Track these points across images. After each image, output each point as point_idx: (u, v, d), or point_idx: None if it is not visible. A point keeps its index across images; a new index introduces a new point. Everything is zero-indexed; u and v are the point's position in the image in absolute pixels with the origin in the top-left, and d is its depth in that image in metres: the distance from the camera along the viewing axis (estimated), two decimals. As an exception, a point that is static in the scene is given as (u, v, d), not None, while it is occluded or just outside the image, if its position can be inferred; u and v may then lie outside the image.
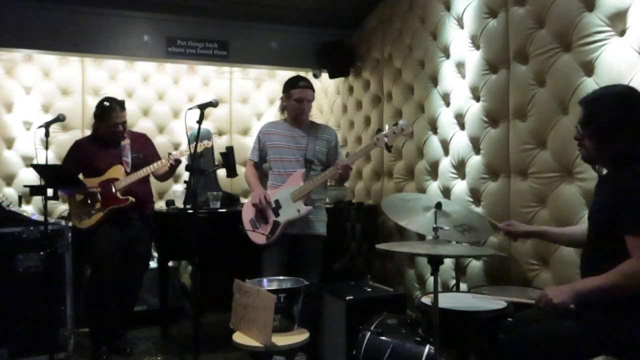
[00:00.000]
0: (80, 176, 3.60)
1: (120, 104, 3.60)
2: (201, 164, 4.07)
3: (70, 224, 3.63)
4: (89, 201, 3.53)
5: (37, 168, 3.47)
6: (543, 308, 1.82)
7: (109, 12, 4.31)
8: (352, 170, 3.20)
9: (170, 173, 3.71)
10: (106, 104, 3.57)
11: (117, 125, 3.57)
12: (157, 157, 3.74)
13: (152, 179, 3.81)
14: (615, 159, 1.88)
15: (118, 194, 3.53)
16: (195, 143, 2.84)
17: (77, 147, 3.71)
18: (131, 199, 3.54)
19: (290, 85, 3.29)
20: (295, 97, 3.25)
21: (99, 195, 3.52)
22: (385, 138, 3.01)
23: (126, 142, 3.67)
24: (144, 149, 3.77)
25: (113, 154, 3.63)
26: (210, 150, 4.31)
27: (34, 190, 3.82)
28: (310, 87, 3.29)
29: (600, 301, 1.79)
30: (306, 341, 2.50)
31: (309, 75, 5.09)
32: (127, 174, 3.57)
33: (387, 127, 3.07)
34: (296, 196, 3.14)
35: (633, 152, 1.83)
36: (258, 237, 3.20)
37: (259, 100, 5.36)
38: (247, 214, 3.28)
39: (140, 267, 3.77)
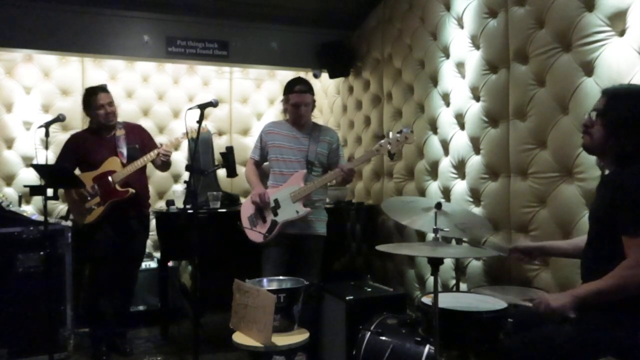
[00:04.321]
0: (77, 171, 3.60)
1: (101, 87, 3.69)
2: (201, 164, 4.08)
3: (70, 222, 3.63)
4: (89, 197, 3.53)
5: (37, 168, 3.48)
6: (542, 312, 1.82)
7: (109, 12, 4.31)
8: (355, 174, 3.20)
9: (167, 163, 3.71)
10: (88, 90, 3.68)
11: (103, 106, 3.60)
12: (154, 147, 3.72)
13: (148, 173, 3.80)
14: (619, 156, 1.86)
15: (117, 187, 3.53)
16: (195, 143, 2.85)
17: (73, 140, 3.72)
18: (131, 190, 3.54)
19: (287, 90, 3.29)
20: (292, 102, 3.25)
21: (97, 191, 3.53)
22: (389, 145, 3.02)
23: (121, 133, 3.66)
24: (140, 140, 3.76)
25: (108, 145, 3.62)
26: (210, 149, 4.31)
27: (34, 190, 3.83)
28: (307, 90, 3.26)
29: (600, 304, 1.78)
30: (306, 341, 2.50)
31: (308, 75, 5.10)
32: (124, 165, 3.57)
33: (390, 134, 3.07)
34: (296, 197, 3.14)
35: (638, 153, 1.82)
36: (255, 236, 3.20)
37: (259, 100, 5.36)
38: (246, 211, 3.28)
39: (134, 262, 3.80)
